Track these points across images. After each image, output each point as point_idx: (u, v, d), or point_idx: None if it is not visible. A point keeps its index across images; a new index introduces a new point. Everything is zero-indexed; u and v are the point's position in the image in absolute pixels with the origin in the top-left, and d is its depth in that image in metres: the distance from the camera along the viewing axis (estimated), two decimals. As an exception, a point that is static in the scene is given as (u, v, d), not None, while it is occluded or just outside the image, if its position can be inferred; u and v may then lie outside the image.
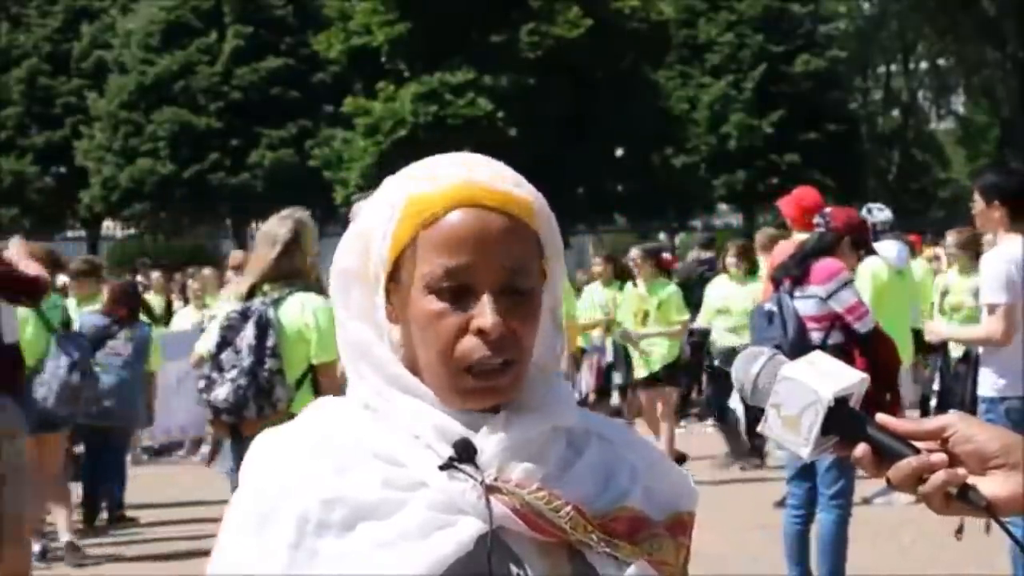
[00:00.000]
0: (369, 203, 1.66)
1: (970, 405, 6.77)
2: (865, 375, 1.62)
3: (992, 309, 6.52)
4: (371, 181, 31.56)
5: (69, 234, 41.39)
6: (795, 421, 1.60)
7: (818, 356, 1.63)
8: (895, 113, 50.49)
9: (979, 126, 49.10)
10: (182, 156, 36.45)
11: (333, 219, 31.47)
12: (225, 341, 6.07)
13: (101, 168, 37.32)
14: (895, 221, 10.56)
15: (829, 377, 1.60)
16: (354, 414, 1.63)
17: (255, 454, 1.63)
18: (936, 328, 7.47)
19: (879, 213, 10.29)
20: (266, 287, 6.16)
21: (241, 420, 6.03)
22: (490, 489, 1.54)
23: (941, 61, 49.03)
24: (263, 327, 6.03)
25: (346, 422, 1.62)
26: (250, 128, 36.38)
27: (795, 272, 7.02)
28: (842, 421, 1.59)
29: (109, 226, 40.74)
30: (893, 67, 50.29)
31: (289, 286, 6.13)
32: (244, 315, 6.07)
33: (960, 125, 51.31)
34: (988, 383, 6.58)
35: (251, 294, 6.15)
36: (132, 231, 40.91)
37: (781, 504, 9.25)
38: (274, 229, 6.22)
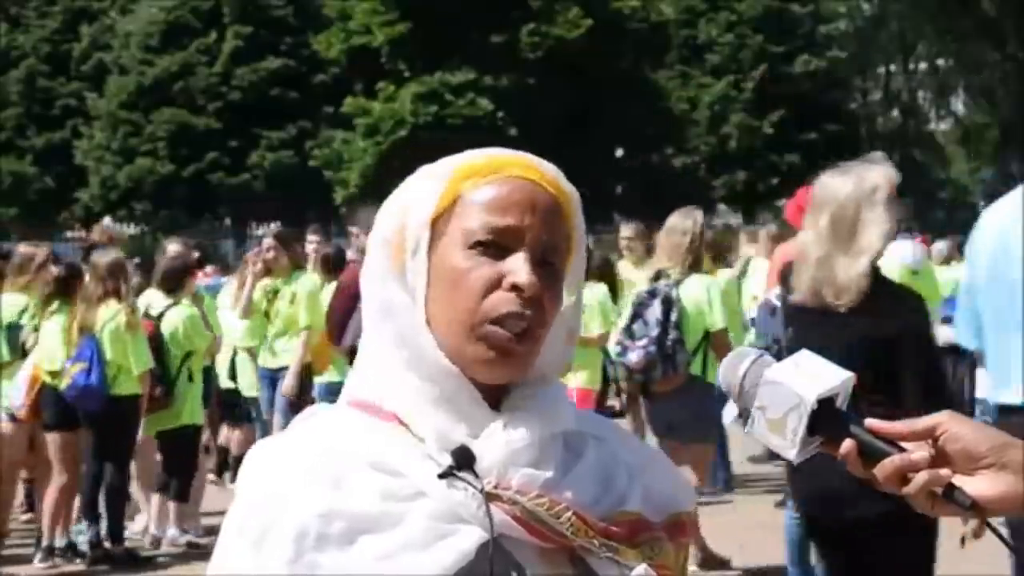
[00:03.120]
0: (410, 183, 1.67)
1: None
2: (850, 374, 1.62)
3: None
4: (371, 181, 31.62)
5: (68, 234, 41.38)
6: (780, 424, 1.60)
7: (804, 356, 1.63)
8: (895, 113, 50.45)
9: (979, 127, 49.09)
10: (181, 156, 36.46)
11: (333, 219, 31.46)
12: (637, 315, 7.51)
13: (100, 168, 37.34)
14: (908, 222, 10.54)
15: (813, 379, 1.60)
16: (350, 422, 1.61)
17: (252, 465, 1.61)
18: (939, 332, 7.48)
19: None
20: (671, 271, 7.56)
21: (650, 380, 7.48)
22: (490, 497, 1.53)
23: (941, 61, 48.99)
24: (668, 304, 7.47)
25: (342, 431, 1.60)
26: (249, 129, 36.39)
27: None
28: (827, 422, 1.60)
29: (108, 226, 40.70)
30: (893, 67, 50.27)
31: (692, 270, 7.54)
32: (652, 293, 7.52)
33: (960, 126, 51.30)
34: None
35: (657, 277, 7.62)
36: (131, 231, 40.90)
37: (782, 504, 9.25)
38: (682, 222, 7.66)
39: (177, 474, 9.66)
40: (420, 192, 1.64)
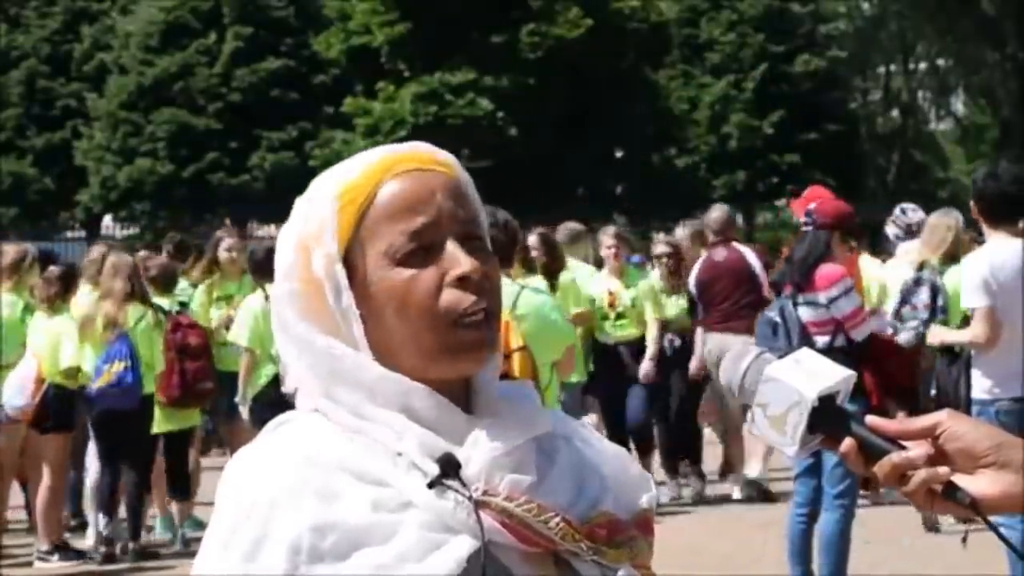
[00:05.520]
0: (297, 215, 1.63)
1: (964, 407, 6.77)
2: (851, 372, 1.63)
3: (972, 313, 6.52)
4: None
5: (69, 234, 41.35)
6: (781, 421, 1.61)
7: (805, 354, 1.64)
8: (895, 113, 50.41)
9: (979, 127, 49.06)
10: (181, 156, 36.44)
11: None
12: (904, 301, 8.61)
13: (100, 168, 37.33)
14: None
15: (814, 376, 1.60)
16: (327, 430, 1.58)
17: (233, 476, 1.58)
18: (934, 332, 7.50)
19: (913, 214, 10.28)
20: (934, 261, 8.67)
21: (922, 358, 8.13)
22: (479, 504, 1.52)
23: (941, 61, 48.95)
24: (935, 291, 8.56)
25: (324, 442, 1.57)
26: (250, 130, 36.36)
27: (797, 279, 6.98)
28: (827, 419, 1.60)
29: (108, 226, 40.71)
30: (893, 67, 50.22)
31: (952, 261, 8.43)
32: (917, 282, 8.59)
33: (960, 126, 51.27)
34: (979, 385, 6.58)
35: (921, 267, 8.68)
36: (132, 231, 40.90)
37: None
38: (946, 220, 8.88)
39: (180, 474, 9.69)
40: (314, 235, 1.58)
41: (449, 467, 1.53)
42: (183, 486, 9.69)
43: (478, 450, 1.56)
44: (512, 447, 1.56)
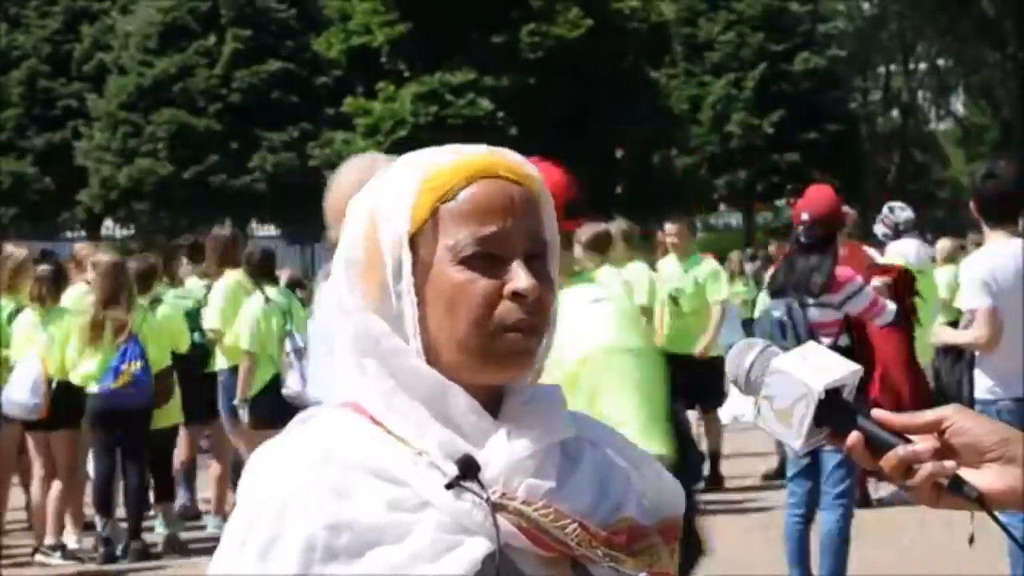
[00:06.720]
0: (376, 185, 1.64)
1: (968, 406, 6.76)
2: (858, 367, 1.62)
3: (972, 314, 6.52)
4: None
5: (69, 234, 41.36)
6: (787, 414, 1.60)
7: (811, 348, 1.63)
8: (895, 113, 50.45)
9: (978, 127, 49.10)
10: (181, 157, 36.44)
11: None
12: None
13: (100, 168, 37.33)
14: (914, 220, 10.49)
15: (820, 369, 1.60)
16: (350, 427, 1.59)
17: (254, 473, 1.59)
18: (936, 332, 7.49)
19: (901, 212, 10.27)
20: None
21: None
22: (496, 507, 1.52)
23: (941, 61, 49.01)
24: None
25: (343, 437, 1.58)
26: (251, 131, 36.37)
27: (814, 291, 6.95)
28: (834, 413, 1.59)
29: (109, 227, 40.70)
30: (893, 67, 50.25)
31: None
32: None
33: (960, 126, 51.30)
34: (981, 385, 6.58)
35: None
36: (132, 231, 40.91)
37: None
38: None
39: (162, 474, 9.72)
40: (388, 209, 1.60)
41: (468, 469, 1.53)
42: (167, 487, 9.70)
43: (498, 453, 1.56)
44: (531, 452, 1.57)
